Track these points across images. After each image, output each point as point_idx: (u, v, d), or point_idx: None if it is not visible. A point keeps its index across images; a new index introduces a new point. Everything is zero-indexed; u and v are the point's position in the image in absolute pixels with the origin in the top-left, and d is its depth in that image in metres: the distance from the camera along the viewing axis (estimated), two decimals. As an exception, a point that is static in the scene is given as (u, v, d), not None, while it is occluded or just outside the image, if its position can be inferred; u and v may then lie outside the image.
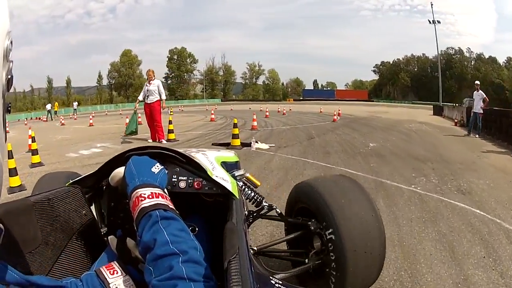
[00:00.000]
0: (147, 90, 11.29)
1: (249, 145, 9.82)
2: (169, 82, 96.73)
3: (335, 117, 19.94)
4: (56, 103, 44.65)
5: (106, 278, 1.10)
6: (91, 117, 25.16)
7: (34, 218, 1.37)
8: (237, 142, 10.10)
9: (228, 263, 0.99)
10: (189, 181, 1.75)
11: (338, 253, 2.05)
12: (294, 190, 2.61)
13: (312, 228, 2.31)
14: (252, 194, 2.43)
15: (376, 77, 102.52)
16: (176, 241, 0.96)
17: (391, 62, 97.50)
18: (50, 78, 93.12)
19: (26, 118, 51.66)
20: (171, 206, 1.11)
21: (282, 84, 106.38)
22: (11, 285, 0.82)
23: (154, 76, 11.52)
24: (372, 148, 9.55)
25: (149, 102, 11.28)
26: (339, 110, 23.42)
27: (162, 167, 1.33)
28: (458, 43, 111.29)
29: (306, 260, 2.32)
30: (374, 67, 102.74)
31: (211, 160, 2.07)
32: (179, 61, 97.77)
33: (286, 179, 6.02)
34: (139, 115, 13.18)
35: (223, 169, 2.08)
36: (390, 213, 4.28)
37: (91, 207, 1.73)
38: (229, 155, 2.68)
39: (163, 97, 11.35)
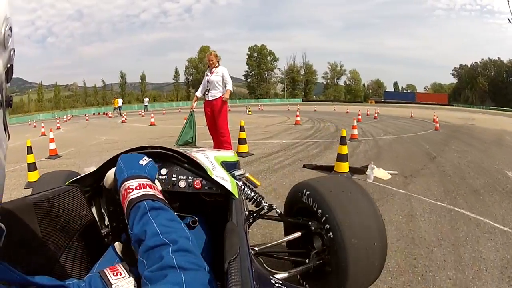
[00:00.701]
0: (208, 82, 8.31)
1: (362, 171, 6.73)
2: (249, 80, 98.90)
3: (437, 125, 17.85)
4: (116, 100, 44.27)
5: (109, 280, 1.13)
6: (152, 115, 24.15)
7: (34, 218, 1.42)
8: (344, 167, 6.84)
9: (228, 263, 1.02)
10: (189, 180, 1.81)
11: (339, 253, 2.12)
12: (293, 190, 2.68)
13: (313, 228, 2.39)
14: (252, 194, 2.50)
15: (455, 80, 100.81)
16: (166, 231, 1.00)
17: (469, 66, 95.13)
18: (124, 73, 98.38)
19: (94, 113, 55.34)
20: (160, 196, 1.17)
21: (363, 85, 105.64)
22: (12, 285, 0.83)
23: (218, 61, 8.33)
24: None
25: (210, 98, 8.30)
26: (434, 115, 21.59)
27: (150, 159, 1.39)
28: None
29: (307, 260, 2.38)
30: (452, 70, 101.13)
31: (211, 160, 2.16)
32: (259, 59, 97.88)
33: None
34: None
35: (223, 168, 2.15)
36: None
37: (91, 207, 1.79)
38: (229, 155, 2.79)
39: (229, 86, 8.16)
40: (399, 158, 8.76)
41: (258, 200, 2.50)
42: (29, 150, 6.96)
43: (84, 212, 1.69)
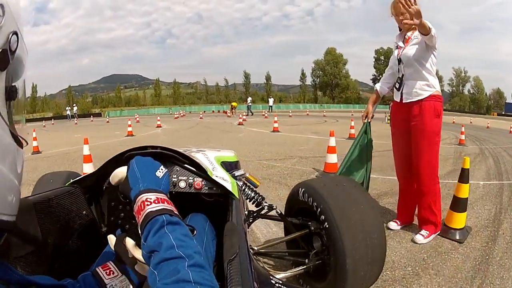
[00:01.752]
0: (400, 61, 4.01)
1: None
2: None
3: None
4: (234, 103, 44.21)
5: (102, 279, 1.20)
6: (276, 119, 19.50)
7: (34, 218, 1.47)
8: None
9: (228, 263, 1.08)
10: (189, 181, 1.89)
11: (338, 253, 2.17)
12: (294, 190, 2.70)
13: (313, 228, 2.45)
14: (252, 194, 2.53)
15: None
16: (181, 245, 1.01)
17: None
18: (247, 73, 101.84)
19: (213, 111, 58.05)
20: (176, 211, 1.18)
21: (486, 94, 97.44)
22: (11, 285, 0.85)
23: (419, 15, 3.29)
24: None
25: (406, 99, 4.01)
26: None
27: (166, 170, 1.41)
28: None
29: (306, 260, 2.44)
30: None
31: (211, 160, 2.22)
32: (386, 62, 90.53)
33: None
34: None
35: (223, 169, 2.21)
36: None
37: (91, 207, 1.87)
38: (229, 155, 2.81)
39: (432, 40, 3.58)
40: None
41: (258, 200, 2.53)
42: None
43: (84, 212, 1.76)
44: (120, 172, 1.37)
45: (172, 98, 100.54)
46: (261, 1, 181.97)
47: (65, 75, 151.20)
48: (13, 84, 0.82)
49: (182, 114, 45.56)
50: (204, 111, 54.85)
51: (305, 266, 2.39)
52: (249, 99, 43.21)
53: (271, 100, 51.79)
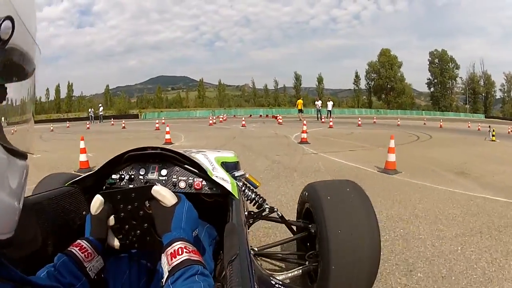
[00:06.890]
0: None
1: None
2: (431, 89, 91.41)
3: None
4: (300, 101, 39.70)
5: (82, 262, 1.21)
6: (392, 144, 9.01)
7: (34, 218, 1.50)
8: None
9: (228, 263, 1.09)
10: (189, 181, 1.89)
11: (323, 259, 2.14)
12: (303, 191, 2.62)
13: (313, 230, 2.40)
14: (253, 195, 2.49)
15: None
16: None
17: None
18: (298, 74, 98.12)
19: (261, 115, 51.71)
20: (205, 265, 1.24)
21: None
22: (12, 284, 0.84)
23: None
24: None
25: None
26: None
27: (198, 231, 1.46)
28: None
29: (307, 262, 2.40)
30: None
31: (211, 161, 2.21)
32: (441, 65, 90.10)
33: None
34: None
35: (223, 169, 2.19)
36: None
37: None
38: (229, 156, 2.78)
39: None
40: None
41: (259, 202, 2.50)
42: None
43: (84, 212, 1.75)
44: (99, 200, 1.35)
45: (216, 100, 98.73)
46: (308, 5, 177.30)
47: (113, 76, 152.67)
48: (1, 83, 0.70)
49: (221, 119, 37.94)
50: (250, 115, 51.36)
51: (305, 268, 2.37)
52: (319, 102, 39.28)
53: (329, 104, 40.50)
